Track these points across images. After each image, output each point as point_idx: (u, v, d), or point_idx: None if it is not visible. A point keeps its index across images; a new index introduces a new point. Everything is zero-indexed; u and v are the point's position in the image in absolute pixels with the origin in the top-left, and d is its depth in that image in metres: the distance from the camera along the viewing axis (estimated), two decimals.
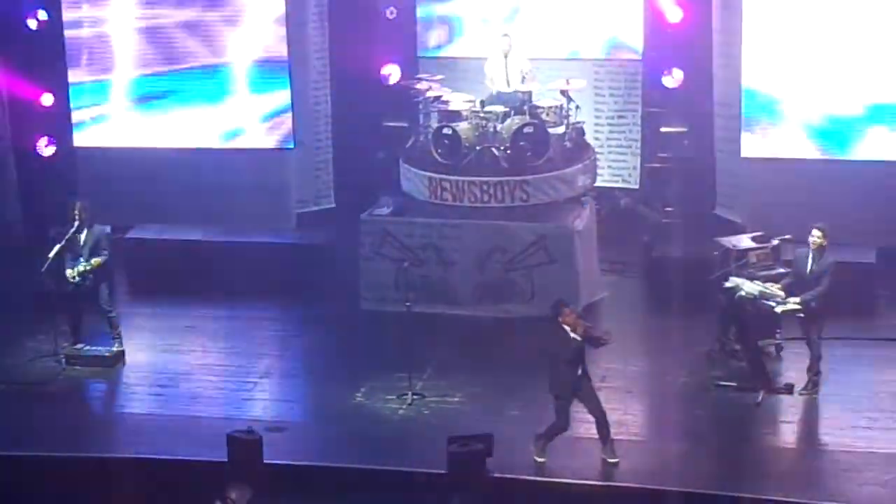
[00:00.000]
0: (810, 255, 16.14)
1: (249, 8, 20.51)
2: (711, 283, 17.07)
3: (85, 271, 17.37)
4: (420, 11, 21.28)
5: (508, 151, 18.80)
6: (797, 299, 16.03)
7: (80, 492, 14.59)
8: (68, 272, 17.39)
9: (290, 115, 20.66)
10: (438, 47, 21.28)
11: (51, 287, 17.60)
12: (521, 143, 18.77)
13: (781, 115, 19.46)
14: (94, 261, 17.39)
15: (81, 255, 17.45)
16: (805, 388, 16.13)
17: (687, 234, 19.90)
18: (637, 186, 21.23)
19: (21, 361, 17.67)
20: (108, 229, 18.24)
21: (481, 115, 19.03)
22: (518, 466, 14.48)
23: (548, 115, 19.15)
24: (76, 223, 17.45)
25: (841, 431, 15.43)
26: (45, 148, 21.43)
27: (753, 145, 19.63)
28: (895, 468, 14.48)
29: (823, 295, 15.98)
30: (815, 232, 16.08)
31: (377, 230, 18.95)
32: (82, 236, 17.47)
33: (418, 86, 19.85)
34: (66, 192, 20.37)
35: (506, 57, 19.73)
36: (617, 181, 21.28)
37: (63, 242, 17.42)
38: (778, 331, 16.96)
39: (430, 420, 15.89)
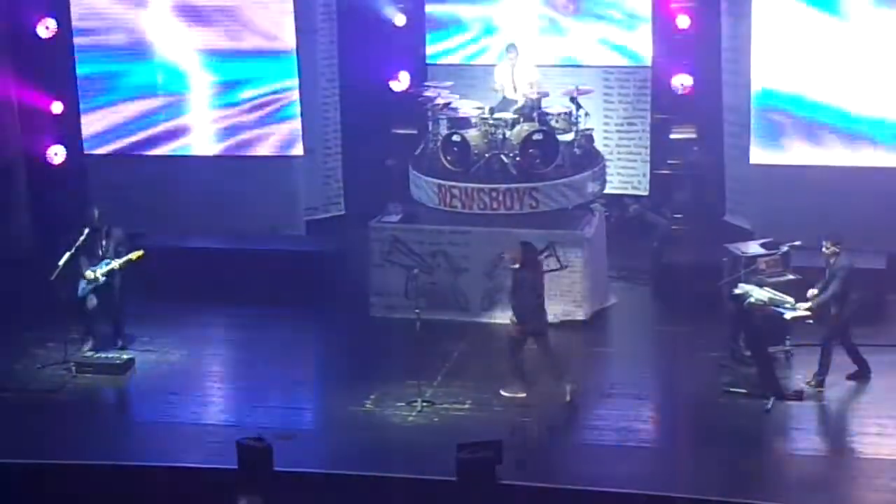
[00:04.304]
0: (826, 263, 16.23)
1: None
2: (721, 289, 17.07)
3: (120, 267, 17.52)
4: None
5: (518, 158, 18.79)
6: (807, 305, 16.06)
7: (89, 500, 14.60)
8: (89, 274, 17.45)
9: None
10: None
11: (62, 294, 17.63)
12: (531, 150, 18.75)
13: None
14: (134, 254, 17.59)
15: (106, 258, 17.55)
16: (810, 383, 16.23)
17: (696, 240, 19.91)
18: (646, 193, 21.25)
19: (31, 369, 17.68)
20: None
21: (490, 121, 19.03)
22: (527, 473, 14.46)
23: (557, 121, 19.13)
24: (86, 230, 17.52)
25: (851, 438, 15.44)
26: (55, 156, 21.45)
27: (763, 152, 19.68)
28: None
29: (833, 298, 16.00)
30: (825, 243, 16.17)
31: (387, 237, 18.96)
32: (103, 241, 17.57)
33: (427, 93, 19.86)
34: (77, 200, 20.46)
35: (513, 67, 19.75)
36: (626, 188, 21.30)
37: (73, 250, 17.49)
38: (787, 337, 16.95)
39: (439, 427, 15.88)
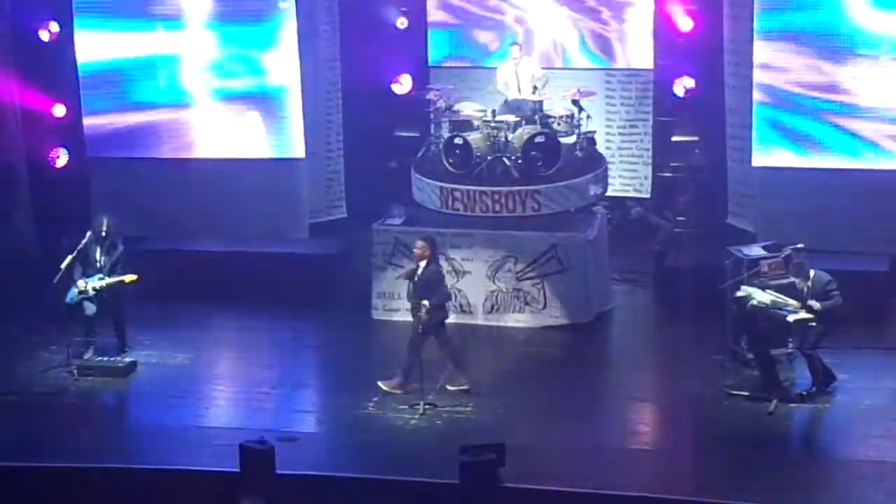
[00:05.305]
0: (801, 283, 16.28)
1: None
2: (723, 292, 17.06)
3: (108, 286, 17.45)
4: None
5: (520, 161, 18.79)
6: (811, 304, 16.05)
7: (90, 503, 14.60)
8: (81, 283, 17.45)
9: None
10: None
11: (68, 298, 17.66)
12: (533, 153, 18.76)
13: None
14: (127, 278, 17.48)
15: (101, 271, 17.52)
16: (812, 390, 16.22)
17: (699, 243, 19.91)
18: (648, 196, 21.23)
19: (34, 372, 17.68)
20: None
21: (492, 124, 19.03)
22: (530, 476, 14.45)
23: (559, 124, 19.14)
24: (89, 235, 17.52)
25: (854, 441, 15.40)
26: (58, 159, 21.46)
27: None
28: None
29: (837, 307, 16.03)
30: (797, 280, 16.25)
31: (389, 240, 18.98)
32: (105, 252, 17.54)
33: (429, 96, 19.87)
34: (79, 203, 20.46)
35: (517, 65, 19.75)
36: (628, 190, 21.29)
37: (75, 253, 17.48)
38: (790, 340, 16.93)
39: (442, 430, 15.88)
